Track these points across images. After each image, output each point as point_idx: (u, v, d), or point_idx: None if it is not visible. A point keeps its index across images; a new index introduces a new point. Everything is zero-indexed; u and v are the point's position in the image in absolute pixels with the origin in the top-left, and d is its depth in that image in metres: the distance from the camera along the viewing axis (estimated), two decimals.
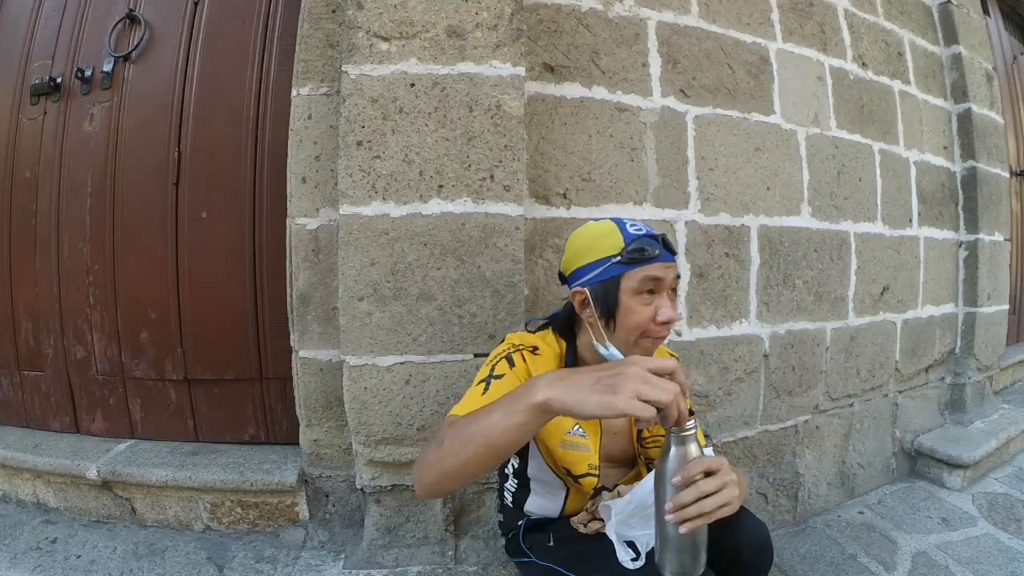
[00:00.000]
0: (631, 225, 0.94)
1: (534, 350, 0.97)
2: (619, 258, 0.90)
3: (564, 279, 1.01)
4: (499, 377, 0.90)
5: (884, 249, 2.05)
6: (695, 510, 0.68)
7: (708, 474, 0.69)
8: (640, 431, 1.04)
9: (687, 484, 0.68)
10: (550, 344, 1.01)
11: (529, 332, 1.05)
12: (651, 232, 0.93)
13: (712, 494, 0.68)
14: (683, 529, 0.68)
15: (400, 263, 1.28)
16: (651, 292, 0.90)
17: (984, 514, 1.82)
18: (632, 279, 0.89)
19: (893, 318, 2.09)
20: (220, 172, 1.62)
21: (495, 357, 0.95)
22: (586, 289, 0.93)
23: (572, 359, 1.00)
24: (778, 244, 1.77)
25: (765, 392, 1.74)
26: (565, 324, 1.03)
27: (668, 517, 0.69)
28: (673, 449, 0.70)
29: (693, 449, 0.71)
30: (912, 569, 1.54)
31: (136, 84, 1.66)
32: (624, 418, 1.04)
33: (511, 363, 0.93)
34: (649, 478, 0.92)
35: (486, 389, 0.87)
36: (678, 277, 0.94)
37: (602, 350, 0.93)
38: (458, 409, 0.86)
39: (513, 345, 0.97)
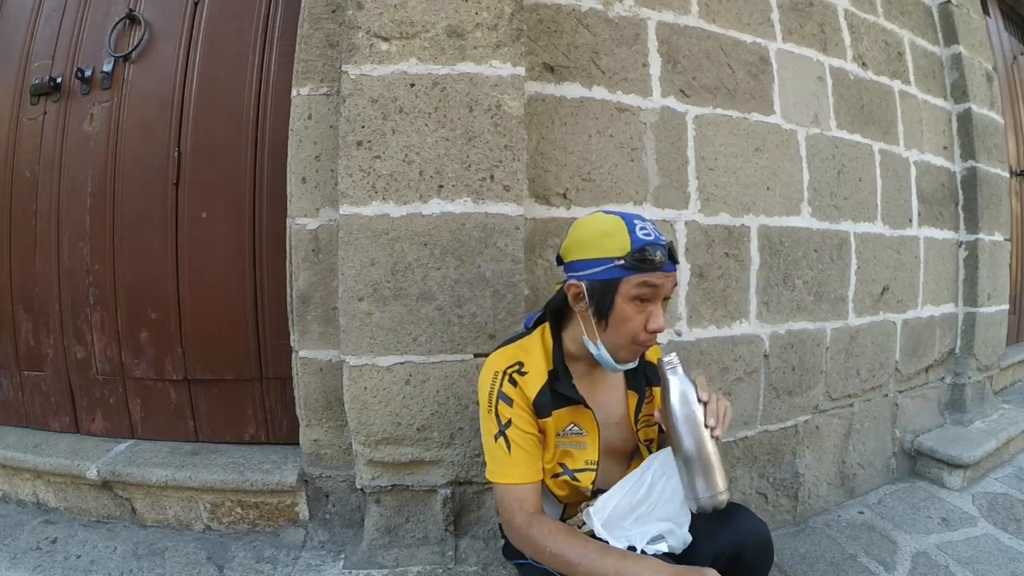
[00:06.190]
0: (640, 228, 0.91)
1: (520, 368, 0.98)
2: (623, 262, 0.89)
3: (561, 261, 1.00)
4: (508, 425, 0.95)
5: (884, 249, 2.05)
6: (722, 412, 0.88)
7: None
8: (638, 416, 1.05)
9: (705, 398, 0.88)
10: (534, 347, 1.01)
11: (506, 343, 1.05)
12: (659, 239, 0.91)
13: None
14: (718, 433, 0.85)
15: (400, 263, 1.28)
16: (646, 300, 0.90)
17: (984, 514, 1.82)
18: (631, 285, 0.89)
19: (893, 318, 2.09)
20: (220, 172, 1.62)
21: (488, 395, 0.97)
22: (583, 284, 0.92)
23: (560, 357, 1.00)
24: (778, 244, 1.76)
25: (765, 392, 1.74)
26: (557, 313, 1.03)
27: (716, 433, 0.85)
28: (674, 378, 0.88)
29: (683, 372, 0.89)
30: (912, 569, 1.54)
31: (136, 84, 1.66)
32: (623, 405, 1.05)
33: (508, 401, 0.95)
34: (627, 479, 0.96)
35: (507, 445, 0.94)
36: (675, 286, 0.94)
37: (592, 348, 0.95)
38: (496, 476, 0.95)
39: (497, 374, 0.97)
